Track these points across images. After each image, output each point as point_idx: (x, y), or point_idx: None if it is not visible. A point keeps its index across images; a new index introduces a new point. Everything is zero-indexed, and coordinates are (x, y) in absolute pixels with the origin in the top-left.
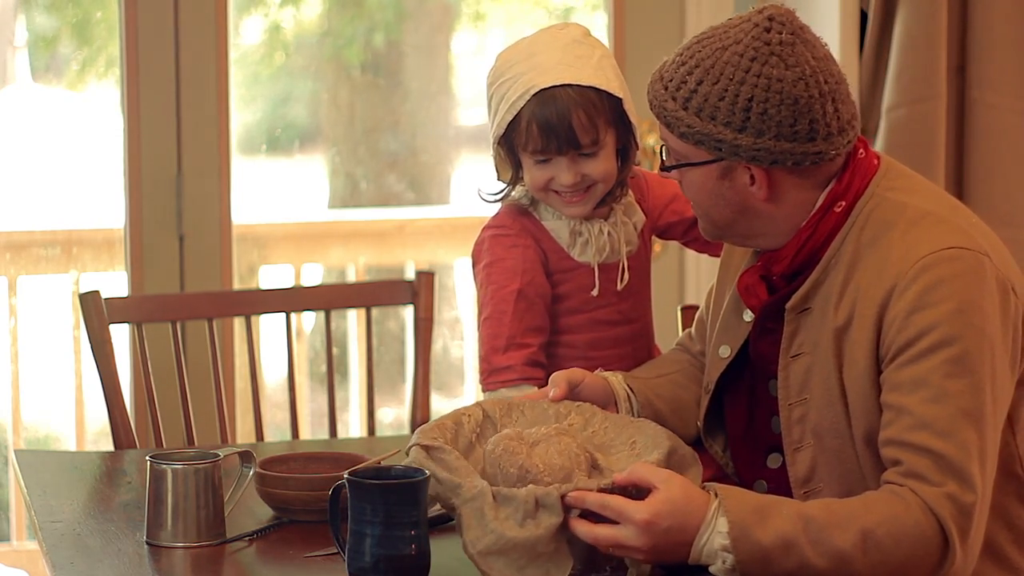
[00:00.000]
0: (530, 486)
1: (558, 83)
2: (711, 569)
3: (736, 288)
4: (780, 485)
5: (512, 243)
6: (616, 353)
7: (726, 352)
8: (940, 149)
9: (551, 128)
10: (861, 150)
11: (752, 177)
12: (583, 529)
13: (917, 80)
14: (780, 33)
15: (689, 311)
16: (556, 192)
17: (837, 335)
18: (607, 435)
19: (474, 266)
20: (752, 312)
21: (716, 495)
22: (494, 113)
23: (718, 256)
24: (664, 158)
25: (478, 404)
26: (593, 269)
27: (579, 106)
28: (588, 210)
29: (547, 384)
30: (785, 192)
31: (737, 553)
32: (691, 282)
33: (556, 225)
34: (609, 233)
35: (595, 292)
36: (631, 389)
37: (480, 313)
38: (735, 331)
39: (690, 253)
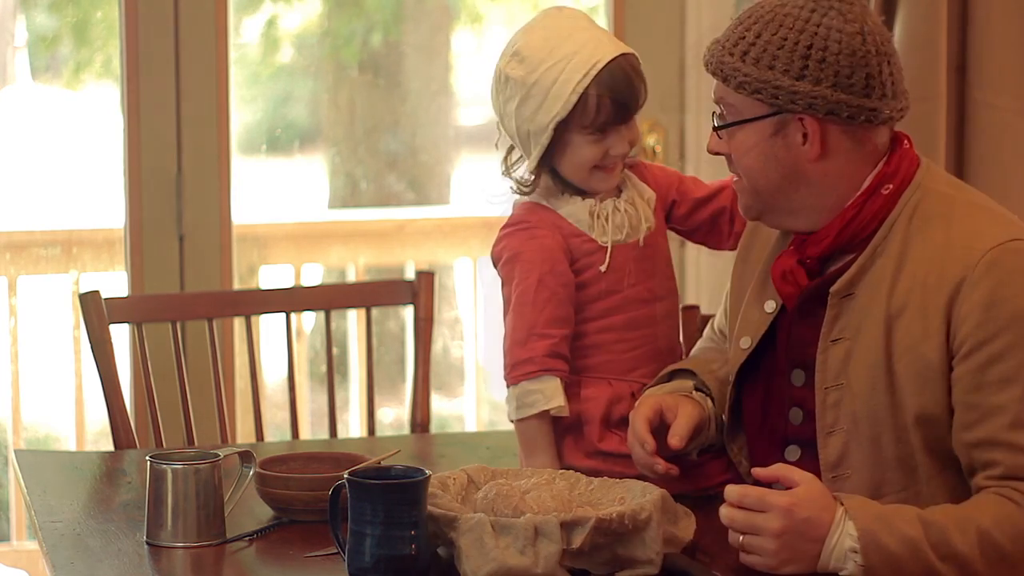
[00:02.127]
0: (528, 515)
1: (618, 54)
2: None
3: (771, 275)
4: None
5: (531, 235)
6: (650, 332)
7: (747, 343)
8: (940, 149)
9: (623, 99)
10: (906, 142)
11: (805, 135)
12: (721, 512)
13: (917, 80)
14: None
15: (689, 311)
16: (600, 168)
17: (888, 322)
18: (594, 495)
19: (495, 266)
20: (784, 299)
21: (841, 502)
22: (541, 101)
23: (719, 248)
24: (716, 123)
25: (462, 469)
26: (615, 247)
27: (636, 73)
28: (615, 182)
29: (568, 374)
30: (835, 155)
31: (866, 558)
32: (691, 282)
33: (573, 210)
34: (625, 210)
35: (603, 268)
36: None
37: (504, 310)
38: (756, 322)
39: (690, 253)
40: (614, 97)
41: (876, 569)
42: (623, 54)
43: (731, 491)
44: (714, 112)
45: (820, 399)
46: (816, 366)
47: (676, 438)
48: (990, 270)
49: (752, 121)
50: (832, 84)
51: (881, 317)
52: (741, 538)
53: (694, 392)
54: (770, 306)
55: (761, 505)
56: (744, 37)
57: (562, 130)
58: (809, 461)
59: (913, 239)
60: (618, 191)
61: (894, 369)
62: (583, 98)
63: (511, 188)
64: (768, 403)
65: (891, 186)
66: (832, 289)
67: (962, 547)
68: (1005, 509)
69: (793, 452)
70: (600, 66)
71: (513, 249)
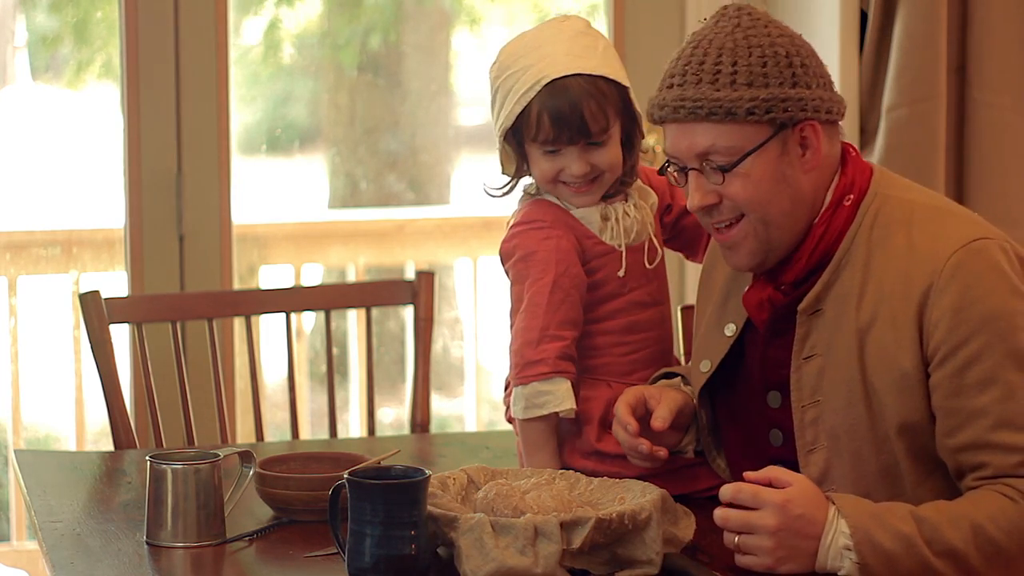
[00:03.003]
0: (528, 515)
1: (568, 73)
2: (840, 575)
3: (745, 306)
4: None
5: (546, 235)
6: (649, 336)
7: (706, 367)
8: (940, 149)
9: (563, 119)
10: (852, 151)
11: (803, 145)
12: (716, 513)
13: (917, 80)
14: (751, 11)
15: (689, 311)
16: (564, 183)
17: (859, 335)
18: (594, 495)
19: (504, 263)
20: (759, 324)
21: (832, 501)
22: (499, 107)
23: (693, 259)
24: (719, 168)
25: (462, 469)
26: (623, 252)
27: (590, 96)
28: (596, 199)
29: (576, 376)
30: (822, 164)
31: (861, 555)
32: (691, 282)
33: (585, 212)
34: (635, 215)
35: (621, 272)
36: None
37: (512, 308)
38: (716, 346)
39: None
40: (553, 115)
41: (872, 566)
42: (579, 74)
43: (725, 490)
44: (689, 168)
45: (798, 417)
46: (791, 384)
47: (659, 420)
48: (956, 274)
49: (762, 147)
50: (817, 84)
51: (851, 331)
52: (736, 538)
53: (682, 385)
54: (730, 329)
55: (755, 502)
56: (719, 70)
57: (520, 139)
58: None
59: (876, 249)
60: (626, 195)
61: (869, 381)
62: (525, 111)
63: (524, 188)
64: (747, 427)
65: (852, 196)
66: (800, 307)
67: (956, 542)
68: (999, 503)
69: None
70: (544, 82)
71: (527, 248)
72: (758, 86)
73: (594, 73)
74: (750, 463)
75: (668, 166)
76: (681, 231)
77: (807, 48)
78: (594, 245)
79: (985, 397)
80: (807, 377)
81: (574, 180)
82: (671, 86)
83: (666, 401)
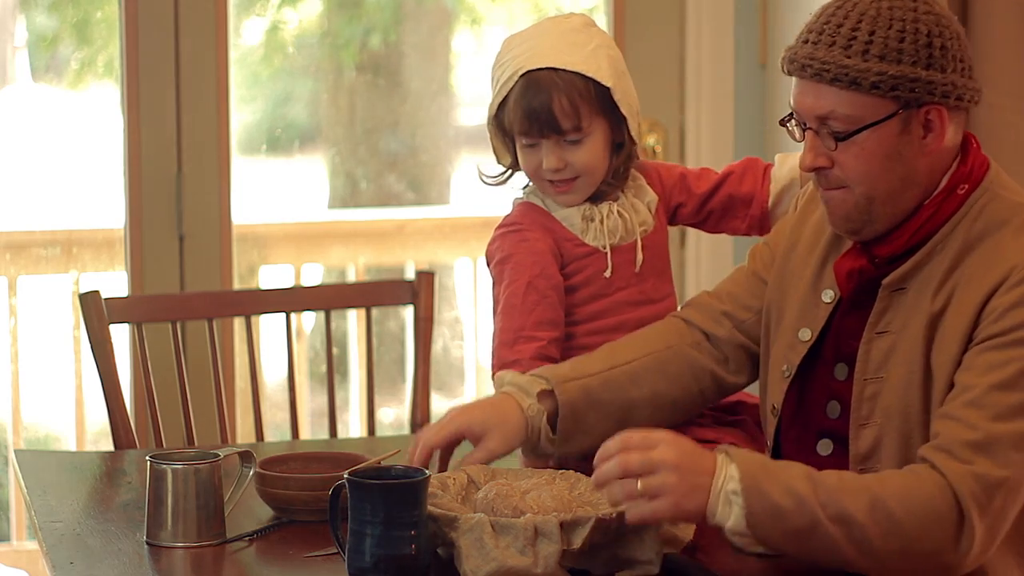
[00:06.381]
0: (528, 515)
1: (544, 66)
2: (728, 526)
3: (835, 272)
4: None
5: (522, 237)
6: None
7: (807, 335)
8: None
9: (532, 111)
10: (974, 142)
11: (926, 128)
12: (610, 465)
13: None
14: None
15: None
16: (546, 181)
17: (931, 321)
18: (594, 495)
19: (488, 265)
20: (843, 293)
21: (725, 453)
22: (492, 96)
23: (736, 233)
24: (834, 134)
25: (462, 469)
26: (608, 253)
27: (561, 91)
28: (579, 200)
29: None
30: (943, 149)
31: (748, 502)
32: (691, 281)
33: (567, 213)
34: (620, 214)
35: (608, 273)
36: (556, 411)
37: (494, 310)
38: (814, 312)
39: (690, 254)
40: (524, 108)
41: (758, 515)
42: (554, 68)
43: (610, 443)
44: (807, 127)
45: (858, 390)
46: (858, 356)
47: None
48: None
49: (882, 122)
50: (954, 70)
51: (925, 314)
52: (639, 483)
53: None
54: (828, 296)
55: (648, 443)
56: (855, 37)
57: (509, 132)
58: (840, 456)
59: (972, 243)
60: (616, 195)
61: (931, 367)
62: (505, 102)
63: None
64: (806, 393)
65: (966, 186)
66: (884, 281)
67: (854, 511)
68: (907, 481)
69: (825, 446)
70: (520, 73)
71: (505, 251)
72: (890, 61)
73: (571, 69)
74: (799, 430)
75: (790, 119)
76: (709, 215)
77: (953, 30)
78: (574, 247)
79: (984, 378)
80: (876, 352)
81: (549, 175)
82: (806, 42)
83: (481, 451)
